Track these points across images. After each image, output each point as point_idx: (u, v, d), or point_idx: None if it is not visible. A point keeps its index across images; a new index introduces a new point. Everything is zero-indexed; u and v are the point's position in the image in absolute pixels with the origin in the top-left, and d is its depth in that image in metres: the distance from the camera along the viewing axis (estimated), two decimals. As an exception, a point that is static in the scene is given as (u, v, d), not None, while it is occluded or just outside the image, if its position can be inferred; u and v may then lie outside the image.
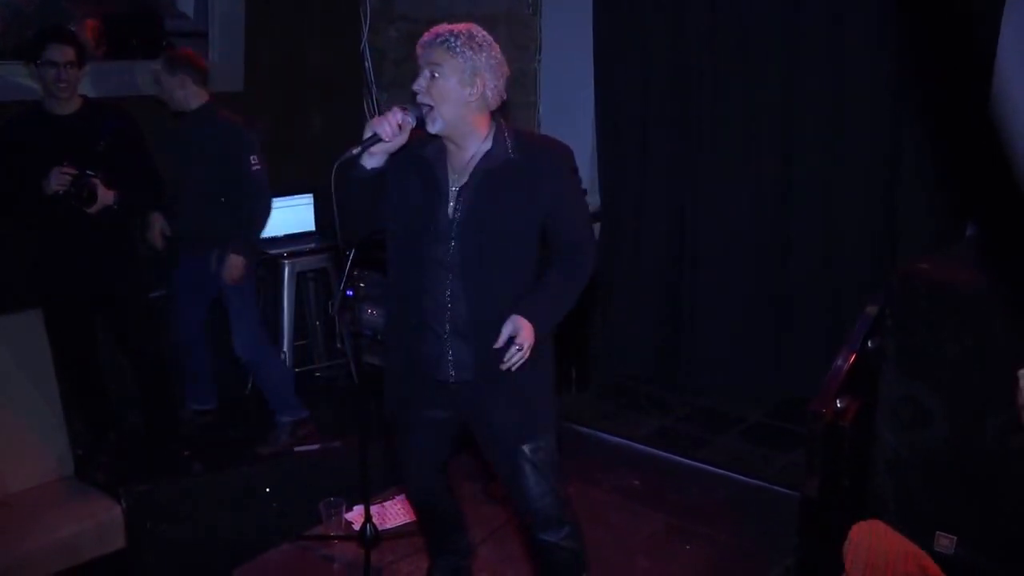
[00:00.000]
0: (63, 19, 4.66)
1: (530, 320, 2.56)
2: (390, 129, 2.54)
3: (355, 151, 2.57)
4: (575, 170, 2.79)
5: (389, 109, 2.60)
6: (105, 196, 3.83)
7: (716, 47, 4.74)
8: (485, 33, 2.61)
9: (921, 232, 4.24)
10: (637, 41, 4.98)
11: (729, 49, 4.72)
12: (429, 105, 2.55)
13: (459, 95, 2.54)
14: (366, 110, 6.00)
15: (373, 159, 2.59)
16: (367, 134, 2.57)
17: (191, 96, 4.30)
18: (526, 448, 2.74)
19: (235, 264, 4.25)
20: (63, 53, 3.79)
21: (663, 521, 3.87)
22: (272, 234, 5.19)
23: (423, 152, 2.66)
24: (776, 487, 4.05)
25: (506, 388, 2.69)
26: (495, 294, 2.64)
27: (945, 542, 2.99)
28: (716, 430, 4.71)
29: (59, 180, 3.74)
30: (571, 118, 5.18)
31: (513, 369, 2.57)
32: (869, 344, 3.19)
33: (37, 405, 3.75)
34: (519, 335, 2.54)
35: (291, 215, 5.29)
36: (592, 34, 5.09)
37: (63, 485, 3.73)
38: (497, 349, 2.59)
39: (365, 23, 5.93)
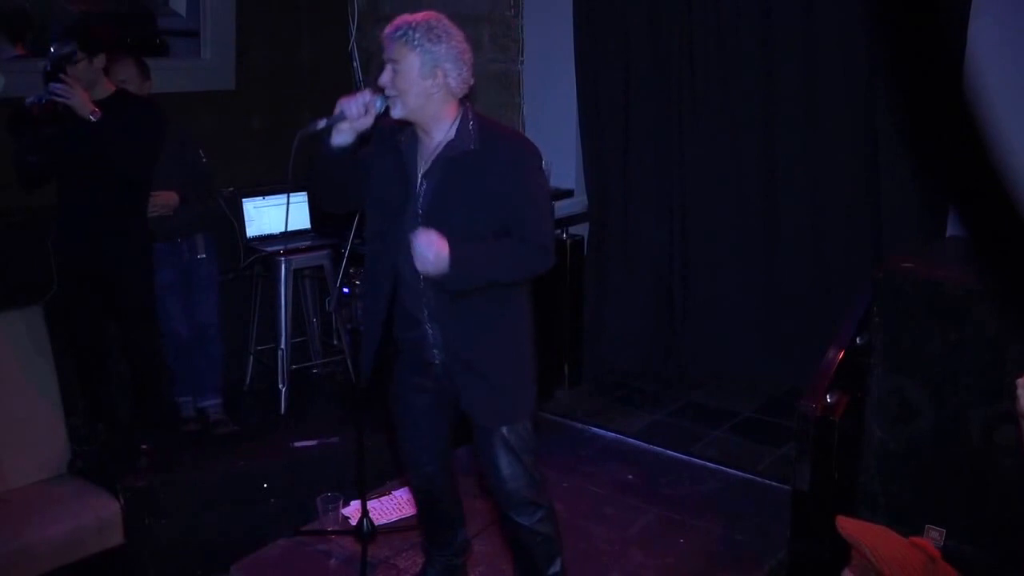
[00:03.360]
0: (62, 16, 4.69)
1: (451, 249, 2.50)
2: (355, 109, 2.63)
3: (320, 125, 2.66)
4: (539, 169, 2.78)
5: (361, 91, 2.69)
6: (84, 101, 3.72)
7: (694, 44, 4.79)
8: (446, 22, 2.64)
9: (907, 226, 4.28)
10: (617, 39, 5.01)
11: (707, 46, 4.77)
12: (393, 95, 2.62)
13: (420, 87, 2.59)
14: (354, 109, 6.01)
15: (340, 136, 2.68)
16: (336, 111, 2.66)
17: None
18: (501, 431, 2.79)
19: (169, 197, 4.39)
20: (64, 47, 3.79)
21: (656, 515, 3.91)
22: (268, 232, 5.22)
23: (399, 138, 2.74)
24: (768, 481, 4.10)
25: (481, 372, 2.75)
26: None
27: (935, 535, 3.03)
28: (708, 424, 4.74)
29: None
30: (555, 117, 5.22)
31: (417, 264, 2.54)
32: (857, 340, 3.23)
33: (37, 402, 3.78)
34: (427, 247, 2.50)
35: (285, 213, 5.31)
36: (573, 33, 5.13)
37: (62, 481, 3.76)
38: (468, 334, 2.71)
39: (353, 23, 5.95)
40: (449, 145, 2.66)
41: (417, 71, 2.58)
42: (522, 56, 5.29)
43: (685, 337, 5.16)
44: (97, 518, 3.59)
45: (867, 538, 2.55)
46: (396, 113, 2.64)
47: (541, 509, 2.91)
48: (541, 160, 2.79)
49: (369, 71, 5.97)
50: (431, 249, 2.50)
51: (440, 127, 2.67)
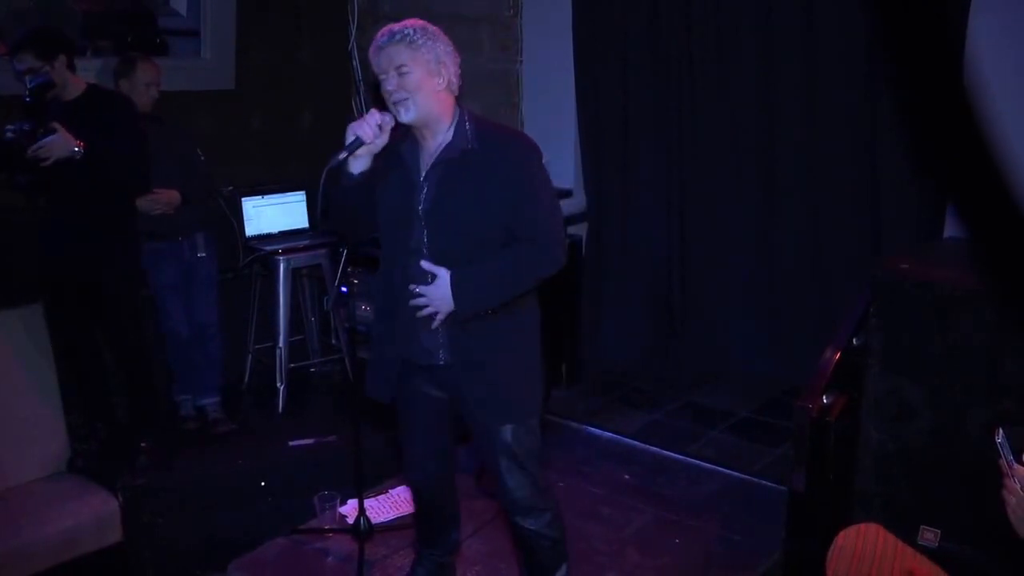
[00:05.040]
0: (62, 15, 4.70)
1: (454, 288, 2.60)
2: (370, 131, 2.60)
3: (341, 156, 2.62)
4: (539, 165, 2.74)
5: (367, 112, 2.65)
6: (62, 146, 3.73)
7: (694, 44, 4.81)
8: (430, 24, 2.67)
9: (905, 227, 4.29)
10: (616, 39, 5.03)
11: (707, 46, 4.78)
12: (405, 97, 2.58)
13: (429, 85, 2.59)
14: (354, 108, 6.03)
15: (359, 162, 2.66)
16: (349, 138, 2.62)
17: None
18: (504, 437, 2.78)
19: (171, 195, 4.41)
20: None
21: (653, 515, 3.91)
22: (266, 231, 5.24)
23: (400, 148, 2.72)
24: (764, 481, 4.10)
25: (483, 374, 2.73)
26: None
27: (929, 536, 3.04)
28: (706, 425, 4.75)
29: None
30: (554, 117, 5.23)
31: (422, 315, 2.65)
32: (854, 341, 3.24)
33: (36, 399, 3.78)
34: (430, 296, 2.63)
35: (284, 212, 5.33)
36: (572, 34, 5.14)
37: (61, 479, 3.76)
38: (472, 335, 2.69)
39: (352, 23, 5.96)
40: (448, 147, 2.66)
41: (424, 70, 2.58)
42: (521, 56, 5.30)
43: (683, 337, 5.17)
44: (96, 516, 3.58)
45: (845, 554, 2.57)
46: (406, 116, 2.61)
47: (547, 513, 2.90)
48: (541, 156, 2.75)
49: (368, 71, 5.98)
50: (441, 302, 2.62)
51: (441, 128, 2.67)
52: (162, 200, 4.36)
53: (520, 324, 2.79)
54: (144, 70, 4.41)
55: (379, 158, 2.69)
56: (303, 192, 5.39)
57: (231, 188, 5.22)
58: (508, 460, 2.80)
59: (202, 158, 4.69)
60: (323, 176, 2.63)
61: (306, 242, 5.23)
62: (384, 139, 2.64)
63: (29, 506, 3.56)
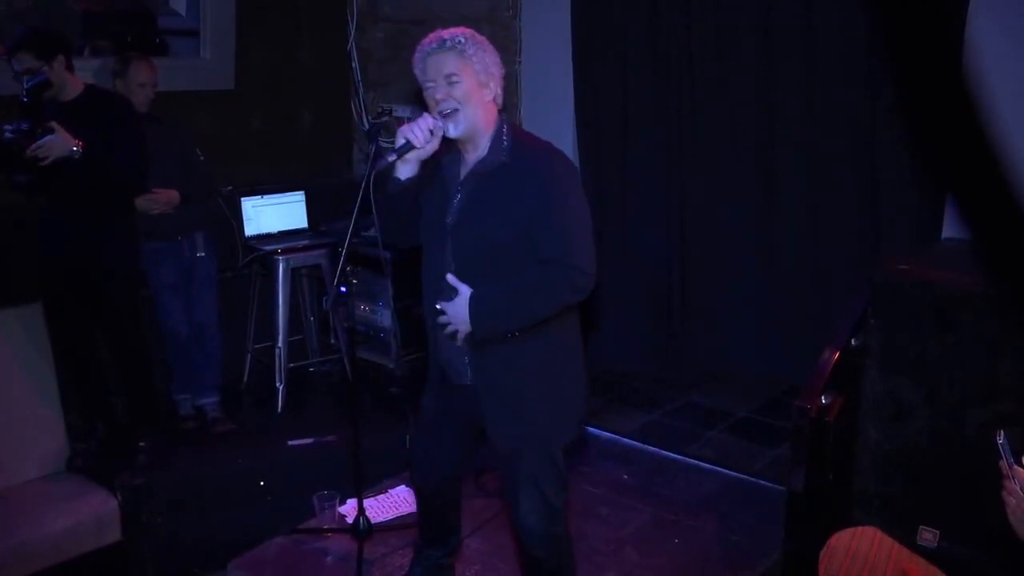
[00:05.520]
0: (61, 15, 4.70)
1: (472, 309, 2.54)
2: (422, 135, 2.52)
3: (390, 158, 2.57)
4: (571, 184, 2.64)
5: (419, 116, 2.58)
6: (61, 144, 3.73)
7: (693, 44, 4.81)
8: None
9: (903, 228, 4.29)
10: (615, 40, 5.03)
11: (706, 46, 4.78)
12: (455, 108, 2.53)
13: (478, 97, 2.55)
14: (353, 110, 6.04)
15: (406, 167, 2.59)
16: (399, 142, 2.55)
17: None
18: (519, 462, 2.73)
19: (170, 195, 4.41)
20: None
21: (652, 515, 3.91)
22: (266, 231, 5.24)
23: (442, 160, 2.68)
24: (763, 481, 4.10)
25: (502, 397, 2.68)
26: None
27: (928, 536, 3.04)
28: (705, 425, 4.75)
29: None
30: (553, 118, 5.23)
31: (446, 333, 2.61)
32: (853, 342, 3.24)
33: (35, 399, 3.79)
34: (450, 313, 2.58)
35: (283, 212, 5.33)
36: (571, 34, 5.14)
37: (60, 479, 3.77)
38: (499, 359, 2.63)
39: (352, 23, 5.97)
40: (482, 160, 2.60)
41: (474, 81, 2.53)
42: (520, 56, 5.31)
43: (683, 337, 5.17)
44: (95, 515, 3.59)
45: (838, 555, 2.58)
46: (454, 132, 2.55)
47: (560, 541, 2.86)
48: (575, 177, 2.69)
49: (367, 71, 5.99)
50: (458, 320, 2.56)
51: (483, 140, 2.61)
52: (161, 200, 4.36)
53: (545, 348, 2.69)
54: (138, 69, 4.40)
55: (426, 165, 2.63)
56: (302, 192, 5.39)
57: (231, 188, 5.22)
58: (524, 486, 2.74)
59: (201, 158, 4.69)
60: (370, 178, 2.59)
61: (305, 242, 5.23)
62: (435, 145, 2.56)
63: (28, 505, 3.56)
